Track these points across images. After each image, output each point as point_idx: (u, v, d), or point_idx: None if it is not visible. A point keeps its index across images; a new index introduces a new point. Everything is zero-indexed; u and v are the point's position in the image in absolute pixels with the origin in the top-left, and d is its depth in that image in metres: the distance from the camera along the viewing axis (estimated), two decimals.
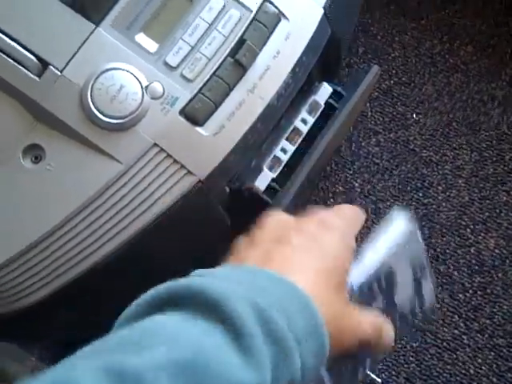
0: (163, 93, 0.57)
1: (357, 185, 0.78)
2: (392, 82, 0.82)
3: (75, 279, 0.58)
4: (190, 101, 0.57)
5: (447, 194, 0.78)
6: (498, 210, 0.78)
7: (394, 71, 0.82)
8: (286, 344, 0.37)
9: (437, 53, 0.83)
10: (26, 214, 0.56)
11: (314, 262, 0.44)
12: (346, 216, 0.49)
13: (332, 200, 0.77)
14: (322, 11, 0.63)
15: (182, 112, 0.57)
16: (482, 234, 0.77)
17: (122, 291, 0.65)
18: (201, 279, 0.39)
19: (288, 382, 0.38)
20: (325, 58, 0.66)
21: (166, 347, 0.34)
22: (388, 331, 0.47)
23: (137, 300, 0.39)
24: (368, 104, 0.80)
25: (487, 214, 0.78)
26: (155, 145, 0.57)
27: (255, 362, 0.35)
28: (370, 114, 0.80)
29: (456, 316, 0.75)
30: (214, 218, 0.64)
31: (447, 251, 0.76)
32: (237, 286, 0.38)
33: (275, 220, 0.48)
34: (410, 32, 0.84)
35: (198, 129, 0.58)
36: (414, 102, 0.81)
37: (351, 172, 0.79)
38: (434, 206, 0.77)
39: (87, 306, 0.64)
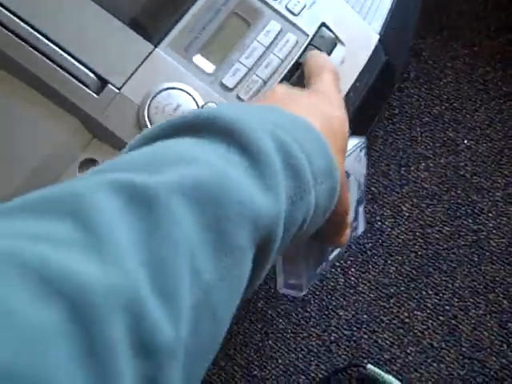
0: None
1: (405, 209, 0.76)
2: (443, 107, 0.80)
3: None
4: None
5: (498, 221, 0.76)
6: None
7: (445, 97, 0.81)
8: (304, 181, 0.36)
9: (489, 80, 0.81)
10: None
11: (326, 113, 0.44)
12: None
13: (379, 223, 0.75)
14: (378, 37, 0.62)
15: None
16: None
17: None
18: (220, 107, 0.37)
19: (302, 220, 0.36)
20: (378, 83, 0.65)
21: (184, 167, 0.31)
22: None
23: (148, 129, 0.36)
24: (418, 129, 0.78)
25: None
26: None
27: (273, 194, 0.33)
28: (420, 138, 0.79)
29: (504, 345, 0.72)
30: None
31: (497, 279, 0.74)
32: (256, 118, 0.36)
33: (284, 87, 0.47)
34: (463, 58, 0.82)
35: None
36: (466, 128, 0.79)
37: (399, 196, 0.77)
38: (484, 233, 0.76)
39: None
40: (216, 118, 0.34)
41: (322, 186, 0.38)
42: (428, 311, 0.73)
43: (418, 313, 0.73)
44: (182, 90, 0.57)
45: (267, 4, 0.60)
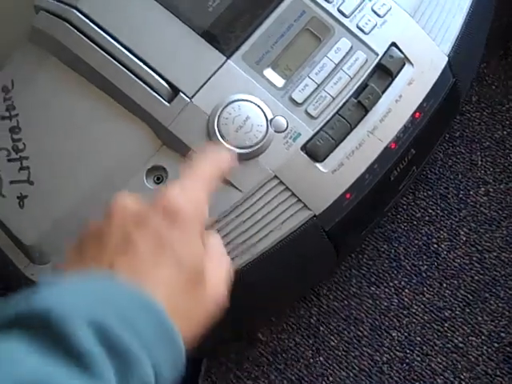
0: (287, 127, 0.57)
1: (462, 233, 0.75)
2: (505, 132, 0.79)
3: None
4: (312, 137, 0.57)
5: None
6: None
7: (507, 122, 0.79)
8: (131, 356, 0.35)
9: None
10: None
11: (167, 271, 0.41)
12: (194, 196, 0.44)
13: (436, 245, 0.75)
14: (446, 59, 0.62)
15: (304, 147, 0.57)
16: None
17: (226, 319, 0.65)
18: (46, 297, 0.36)
19: None
20: (444, 105, 0.64)
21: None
22: None
23: None
24: (479, 153, 0.78)
25: None
26: (275, 177, 0.56)
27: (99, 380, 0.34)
28: (480, 163, 0.78)
29: None
30: (323, 252, 0.63)
31: None
32: (80, 300, 0.36)
33: (120, 215, 0.43)
34: None
35: (318, 165, 0.57)
36: None
37: (457, 219, 0.76)
38: None
39: None
40: (45, 316, 0.35)
41: (158, 349, 0.37)
42: (483, 337, 0.71)
43: (473, 338, 0.71)
44: (251, 102, 0.57)
45: (338, 22, 0.60)
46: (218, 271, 0.45)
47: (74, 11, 0.59)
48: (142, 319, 0.37)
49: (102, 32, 0.58)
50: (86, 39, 0.58)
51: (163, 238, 0.42)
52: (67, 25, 0.59)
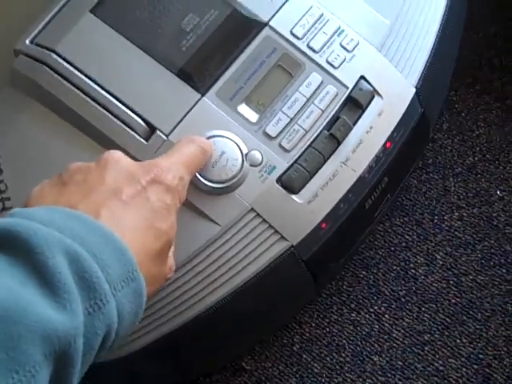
0: (262, 161, 0.58)
1: (439, 257, 0.76)
2: (476, 158, 0.81)
3: (170, 333, 0.59)
4: (287, 170, 0.58)
5: None
6: None
7: (478, 148, 0.81)
8: (99, 291, 0.37)
9: None
10: None
11: (142, 223, 0.43)
12: (180, 176, 0.48)
13: (413, 270, 0.75)
14: (414, 90, 0.64)
15: (279, 180, 0.58)
16: None
17: (209, 350, 0.66)
18: (21, 222, 0.37)
19: (106, 327, 0.38)
20: (414, 135, 0.66)
21: None
22: None
23: None
24: (451, 179, 0.79)
25: None
26: (252, 209, 0.57)
27: (68, 311, 0.35)
28: (453, 188, 0.79)
29: None
30: (302, 281, 0.63)
31: None
32: (54, 230, 0.37)
33: (117, 167, 0.45)
34: (495, 111, 0.83)
35: (293, 196, 0.58)
36: (498, 179, 0.79)
37: (433, 244, 0.77)
38: None
39: (176, 360, 0.65)
40: (12, 234, 0.36)
41: (124, 291, 0.39)
42: (462, 359, 0.72)
43: (453, 361, 0.72)
44: (226, 137, 0.58)
45: (309, 57, 0.61)
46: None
47: (53, 55, 0.60)
48: (112, 261, 0.39)
49: (79, 74, 0.59)
50: (65, 81, 0.59)
51: (150, 201, 0.45)
52: (46, 68, 0.60)
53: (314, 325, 0.75)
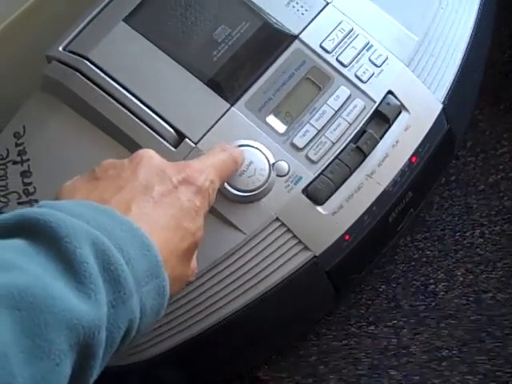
0: (288, 171, 0.59)
1: (459, 273, 0.76)
2: (499, 176, 0.81)
3: (190, 339, 0.59)
4: (313, 181, 0.59)
5: None
6: None
7: (501, 166, 0.81)
8: (124, 285, 0.37)
9: None
10: None
11: (171, 221, 0.43)
12: (211, 180, 0.48)
13: (433, 286, 0.76)
14: (441, 106, 0.64)
15: (305, 191, 0.59)
16: None
17: (227, 358, 0.66)
18: (50, 212, 0.37)
19: (128, 321, 0.38)
20: (439, 150, 0.66)
21: (6, 273, 0.33)
22: None
23: None
24: (474, 196, 0.79)
25: None
26: (277, 219, 0.58)
27: (92, 301, 0.35)
28: (475, 206, 0.79)
29: None
30: (323, 291, 0.64)
31: None
32: (82, 222, 0.38)
33: (150, 165, 0.46)
34: None
35: (318, 207, 0.59)
36: None
37: (454, 261, 0.77)
38: None
39: (194, 367, 0.65)
40: (40, 223, 0.36)
41: (148, 287, 0.39)
42: (480, 376, 0.72)
43: (470, 377, 0.71)
44: (254, 147, 0.59)
45: (337, 71, 0.62)
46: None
47: (86, 62, 0.61)
48: (138, 256, 0.39)
49: (111, 81, 0.60)
50: (97, 88, 0.60)
51: (180, 201, 0.45)
52: (78, 74, 0.61)
53: (331, 336, 0.75)
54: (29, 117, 0.64)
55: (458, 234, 0.79)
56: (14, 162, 0.62)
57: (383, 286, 0.78)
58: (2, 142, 0.63)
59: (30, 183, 0.61)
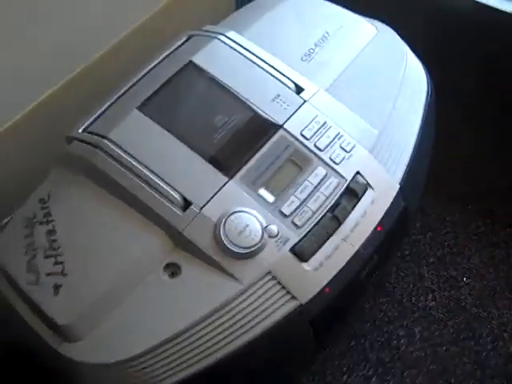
0: (278, 234, 0.65)
1: (417, 331, 0.83)
2: (445, 251, 0.89)
3: (188, 378, 0.63)
4: (298, 242, 0.65)
5: (495, 344, 0.82)
6: None
7: (446, 243, 0.90)
8: None
9: (482, 232, 0.91)
10: (160, 316, 0.62)
11: None
12: None
13: (395, 341, 0.82)
14: (398, 186, 0.72)
15: (292, 250, 0.64)
16: None
17: None
18: None
19: None
20: (398, 223, 0.74)
21: None
22: None
23: None
24: (425, 267, 0.88)
25: None
26: (269, 272, 0.64)
27: None
28: (427, 275, 0.87)
29: None
30: (306, 339, 0.69)
31: None
32: None
33: None
34: (459, 214, 0.92)
35: (303, 264, 0.65)
36: (464, 268, 0.87)
37: (412, 320, 0.84)
38: (485, 353, 0.81)
39: None
40: None
41: None
42: None
43: None
44: (249, 213, 0.66)
45: (315, 154, 0.69)
46: None
47: (105, 140, 0.67)
48: None
49: (128, 157, 0.66)
50: (116, 163, 0.66)
51: None
52: (99, 151, 0.67)
53: None
54: (52, 185, 0.69)
55: (414, 298, 0.86)
56: (41, 223, 0.66)
57: (353, 342, 0.84)
58: (29, 207, 0.68)
59: (55, 240, 0.65)
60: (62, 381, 0.67)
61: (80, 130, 0.71)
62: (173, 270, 0.65)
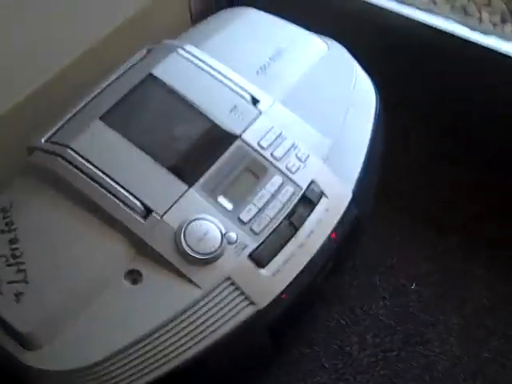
0: (236, 240, 0.66)
1: (368, 337, 0.85)
2: (394, 260, 0.92)
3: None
4: (256, 248, 0.67)
5: (442, 348, 0.85)
6: (482, 364, 0.85)
7: (395, 252, 0.93)
8: None
9: (428, 240, 0.95)
10: (121, 323, 0.63)
11: None
12: None
13: (348, 348, 0.84)
14: (351, 194, 0.74)
15: (250, 256, 0.66)
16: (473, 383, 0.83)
17: None
18: None
19: None
20: (351, 229, 0.77)
21: None
22: None
23: None
24: (376, 276, 0.90)
25: (475, 366, 0.85)
26: (228, 278, 0.65)
27: None
28: (378, 283, 0.90)
29: None
30: (263, 344, 0.71)
31: None
32: None
33: None
34: (407, 224, 0.96)
35: (261, 270, 0.66)
36: (413, 276, 0.91)
37: (363, 327, 0.86)
38: (432, 357, 0.84)
39: None
40: None
41: None
42: None
43: None
44: (209, 220, 0.67)
45: (272, 164, 0.71)
46: None
47: (68, 150, 0.68)
48: None
49: (90, 166, 0.67)
50: (78, 171, 0.67)
51: None
52: (61, 160, 0.67)
53: None
54: (14, 195, 0.69)
55: (366, 306, 0.88)
56: (2, 231, 0.66)
57: (307, 350, 0.85)
58: None
59: (16, 248, 0.65)
60: None
61: (42, 140, 0.71)
62: (134, 276, 0.65)
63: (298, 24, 0.87)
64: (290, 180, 0.71)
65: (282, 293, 0.67)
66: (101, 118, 0.71)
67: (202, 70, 0.76)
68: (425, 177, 1.02)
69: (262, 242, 0.67)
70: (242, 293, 0.65)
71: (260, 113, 0.74)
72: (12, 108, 0.80)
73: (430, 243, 0.95)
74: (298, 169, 0.72)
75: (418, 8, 0.99)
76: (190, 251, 0.64)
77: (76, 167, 0.67)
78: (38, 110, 0.80)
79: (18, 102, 0.81)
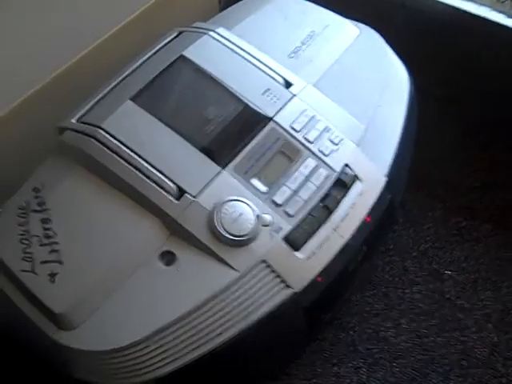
0: (271, 222, 0.66)
1: (403, 322, 0.84)
2: (427, 245, 0.91)
3: (184, 366, 0.63)
4: (291, 231, 0.66)
5: (479, 334, 0.83)
6: None
7: (428, 238, 0.91)
8: None
9: (462, 227, 0.92)
10: (156, 305, 0.62)
11: None
12: None
13: (383, 333, 0.83)
14: (385, 178, 0.73)
15: (285, 238, 0.65)
16: (511, 369, 0.81)
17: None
18: None
19: None
20: (385, 214, 0.75)
21: None
22: None
23: None
24: (409, 261, 0.89)
25: None
26: (263, 260, 0.64)
27: None
28: (411, 268, 0.88)
29: None
30: (299, 326, 0.69)
31: (482, 380, 0.80)
32: None
33: None
34: (440, 210, 0.94)
35: (296, 253, 0.65)
36: (446, 262, 0.89)
37: (398, 312, 0.85)
38: (470, 343, 0.83)
39: None
40: None
41: None
42: None
43: None
44: (243, 202, 0.66)
45: (305, 146, 0.70)
46: None
47: (100, 130, 0.67)
48: None
49: (123, 146, 0.66)
50: (110, 152, 0.66)
51: None
52: (94, 140, 0.67)
53: (301, 376, 0.80)
54: (46, 175, 0.69)
55: (399, 290, 0.87)
56: (35, 211, 0.66)
57: (342, 334, 0.84)
58: (22, 196, 0.68)
59: (49, 228, 0.64)
60: (57, 368, 0.66)
61: (73, 121, 0.71)
62: (168, 258, 0.64)
63: (329, 9, 0.85)
64: (324, 163, 0.70)
65: (318, 276, 0.66)
66: (132, 99, 0.70)
67: (234, 52, 0.75)
68: (458, 162, 1.00)
69: (297, 225, 0.66)
70: (278, 275, 0.64)
71: (293, 96, 0.73)
72: (42, 87, 0.79)
73: (462, 229, 0.93)
74: (331, 152, 0.71)
75: None
76: (224, 232, 0.63)
77: (108, 148, 0.66)
78: (68, 90, 0.79)
79: (48, 81, 0.80)
